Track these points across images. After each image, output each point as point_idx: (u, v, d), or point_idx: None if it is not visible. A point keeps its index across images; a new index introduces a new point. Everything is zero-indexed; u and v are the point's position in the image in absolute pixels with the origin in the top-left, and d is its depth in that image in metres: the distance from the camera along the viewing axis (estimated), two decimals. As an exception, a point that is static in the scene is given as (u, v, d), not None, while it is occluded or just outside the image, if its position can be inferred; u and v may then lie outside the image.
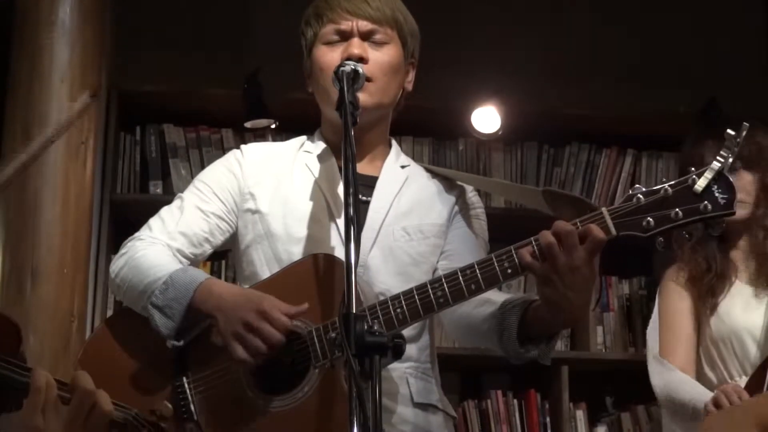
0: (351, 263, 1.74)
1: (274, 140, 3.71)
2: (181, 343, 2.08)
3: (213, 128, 4.19)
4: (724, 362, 2.89)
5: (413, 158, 4.14)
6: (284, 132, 3.99)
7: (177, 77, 4.22)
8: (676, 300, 2.98)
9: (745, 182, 2.94)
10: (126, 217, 3.73)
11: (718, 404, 2.65)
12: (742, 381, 2.81)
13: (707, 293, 2.93)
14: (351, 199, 1.81)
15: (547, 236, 1.88)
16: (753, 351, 2.86)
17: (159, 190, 4.05)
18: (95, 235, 3.67)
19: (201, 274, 2.11)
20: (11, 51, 3.45)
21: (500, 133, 4.13)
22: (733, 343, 2.88)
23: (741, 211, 2.93)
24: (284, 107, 3.92)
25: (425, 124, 4.20)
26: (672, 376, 2.86)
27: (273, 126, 4.07)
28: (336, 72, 2.08)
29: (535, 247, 1.91)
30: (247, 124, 4.05)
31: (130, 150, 4.12)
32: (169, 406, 1.86)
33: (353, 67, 2.08)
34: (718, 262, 2.95)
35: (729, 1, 4.52)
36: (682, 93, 4.30)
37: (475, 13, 4.46)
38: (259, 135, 4.08)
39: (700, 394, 2.76)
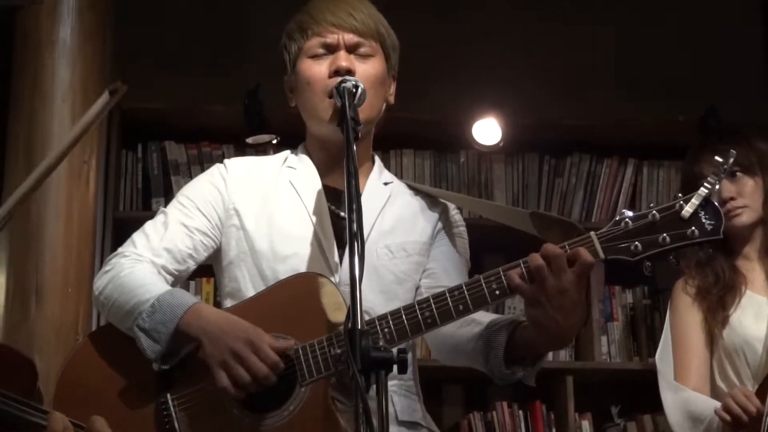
0: (356, 278, 1.74)
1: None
2: (167, 366, 2.06)
3: (214, 144, 4.20)
4: (738, 373, 2.86)
5: (414, 172, 4.21)
6: (285, 147, 3.94)
7: (178, 94, 4.23)
8: (686, 316, 2.95)
9: (746, 187, 2.93)
10: (129, 234, 3.72)
11: (728, 410, 2.64)
12: (754, 390, 2.78)
13: (718, 306, 2.90)
14: (354, 215, 1.81)
15: (536, 259, 1.89)
16: (764, 362, 2.83)
17: (162, 207, 4.05)
18: (99, 253, 3.68)
19: (189, 298, 2.09)
20: (13, 70, 3.47)
21: (501, 144, 4.14)
22: (746, 353, 2.86)
23: (744, 218, 2.93)
24: (285, 122, 3.90)
25: (426, 137, 4.21)
26: (687, 395, 2.83)
27: (274, 141, 4.08)
28: (337, 88, 2.07)
29: (524, 269, 1.91)
30: (249, 140, 4.06)
31: (132, 168, 4.14)
32: None
33: (354, 82, 2.08)
34: (727, 274, 2.92)
35: (727, 10, 4.53)
36: (682, 102, 4.31)
37: (475, 26, 4.47)
38: (261, 150, 4.08)
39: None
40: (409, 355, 2.24)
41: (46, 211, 3.30)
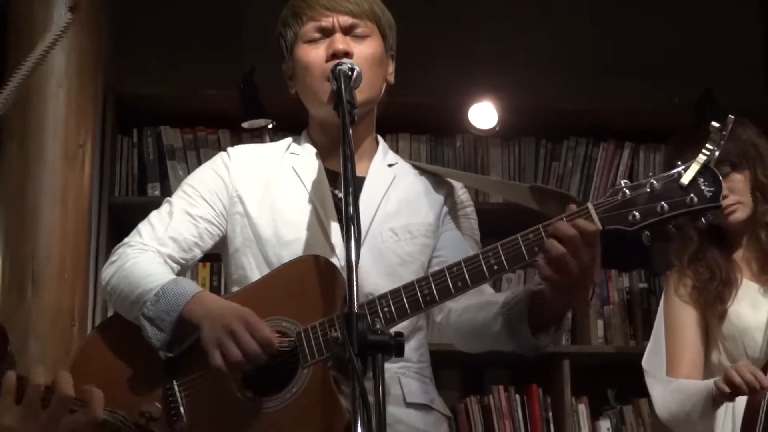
0: (352, 262, 1.74)
1: (271, 140, 3.70)
2: (173, 354, 2.08)
3: (210, 129, 4.19)
4: (734, 362, 2.83)
5: (411, 156, 4.21)
6: (281, 131, 3.99)
7: (173, 79, 4.22)
8: (681, 313, 2.93)
9: (738, 183, 2.91)
10: (125, 220, 3.73)
11: (730, 381, 2.63)
12: None
13: (716, 301, 2.88)
14: (350, 199, 1.81)
15: (557, 247, 1.85)
16: (764, 349, 2.82)
17: (157, 192, 4.05)
18: (94, 238, 3.67)
19: (193, 287, 2.10)
20: (7, 56, 3.45)
21: (497, 128, 4.14)
22: (745, 342, 2.85)
23: (739, 214, 2.91)
24: (281, 107, 3.89)
25: (422, 121, 4.21)
26: (677, 383, 2.83)
27: (270, 126, 4.07)
28: (333, 71, 2.07)
29: (544, 261, 1.87)
30: (245, 125, 4.05)
31: (128, 153, 4.13)
32: (159, 406, 1.86)
33: (350, 65, 2.08)
34: (722, 269, 2.91)
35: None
36: (679, 85, 4.30)
37: (472, 10, 4.46)
38: (257, 135, 4.08)
39: (710, 383, 2.72)
40: (419, 337, 2.25)
41: (41, 196, 3.29)
